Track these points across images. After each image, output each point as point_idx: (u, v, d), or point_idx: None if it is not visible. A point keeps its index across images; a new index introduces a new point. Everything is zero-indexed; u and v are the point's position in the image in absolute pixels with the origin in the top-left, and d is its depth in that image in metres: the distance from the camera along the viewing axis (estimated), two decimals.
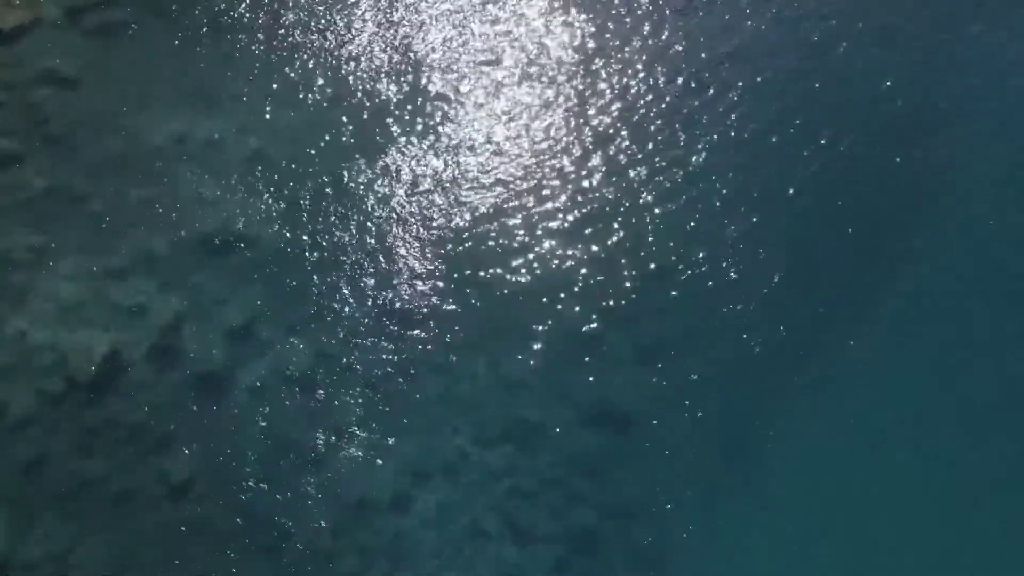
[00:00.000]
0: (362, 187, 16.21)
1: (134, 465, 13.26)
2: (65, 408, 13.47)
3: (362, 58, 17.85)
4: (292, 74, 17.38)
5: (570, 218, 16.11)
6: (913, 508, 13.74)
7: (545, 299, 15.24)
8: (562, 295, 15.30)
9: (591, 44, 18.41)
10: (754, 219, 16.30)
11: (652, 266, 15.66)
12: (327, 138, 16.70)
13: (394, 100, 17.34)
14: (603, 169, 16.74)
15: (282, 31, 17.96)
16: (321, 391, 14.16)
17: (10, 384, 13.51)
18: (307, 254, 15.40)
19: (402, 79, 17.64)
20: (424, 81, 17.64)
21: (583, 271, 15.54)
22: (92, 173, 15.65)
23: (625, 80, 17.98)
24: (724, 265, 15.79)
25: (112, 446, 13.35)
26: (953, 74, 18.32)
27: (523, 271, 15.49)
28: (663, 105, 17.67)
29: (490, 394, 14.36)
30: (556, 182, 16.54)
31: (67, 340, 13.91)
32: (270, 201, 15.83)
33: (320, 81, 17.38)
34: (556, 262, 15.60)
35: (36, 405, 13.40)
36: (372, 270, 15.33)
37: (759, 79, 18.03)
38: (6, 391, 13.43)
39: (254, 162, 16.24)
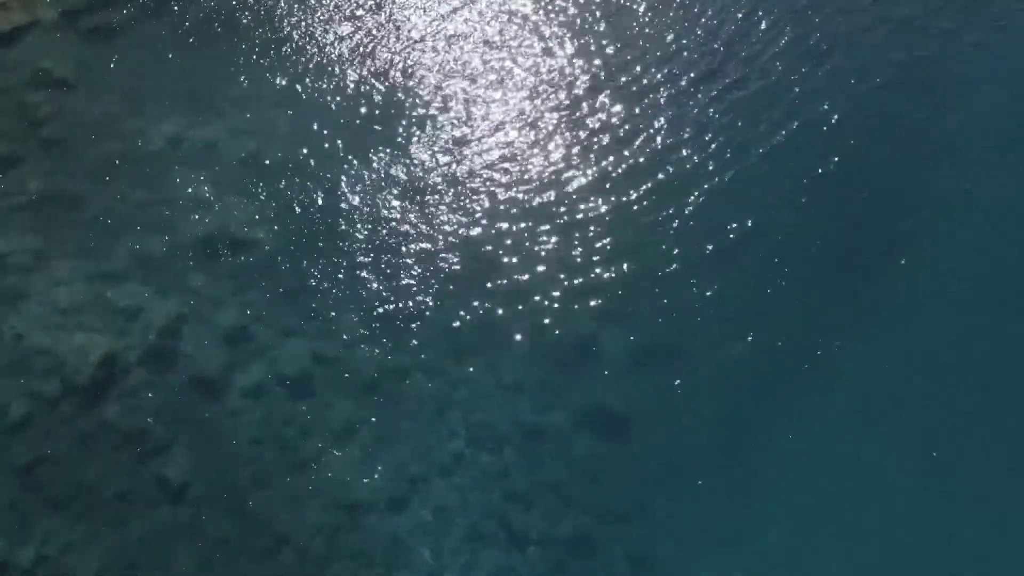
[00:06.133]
0: (358, 189, 16.21)
1: (131, 468, 13.27)
2: (62, 411, 13.48)
3: (358, 60, 17.85)
4: (288, 76, 17.39)
5: (567, 221, 16.09)
6: (911, 511, 13.70)
7: (542, 302, 15.23)
8: (558, 298, 15.29)
9: (591, 45, 18.42)
10: (751, 221, 16.28)
11: (649, 269, 15.63)
12: (323, 141, 16.71)
13: (391, 102, 17.34)
14: (600, 172, 16.74)
15: (278, 33, 17.96)
16: (317, 394, 14.17)
17: (7, 387, 13.54)
18: (303, 257, 15.40)
19: (399, 81, 17.65)
20: (422, 83, 17.65)
21: (580, 274, 15.52)
22: (88, 176, 15.67)
23: (623, 82, 17.98)
24: (721, 268, 15.75)
25: (109, 449, 13.37)
26: (956, 74, 18.37)
27: (520, 274, 15.47)
28: (661, 107, 17.66)
29: (486, 397, 14.36)
30: (553, 184, 16.53)
31: (64, 343, 13.93)
32: (266, 204, 15.83)
33: (316, 84, 17.39)
34: (553, 265, 15.59)
35: (33, 408, 13.42)
36: (368, 273, 15.33)
37: (762, 81, 18.03)
38: (3, 394, 13.45)
39: (250, 165, 16.26)
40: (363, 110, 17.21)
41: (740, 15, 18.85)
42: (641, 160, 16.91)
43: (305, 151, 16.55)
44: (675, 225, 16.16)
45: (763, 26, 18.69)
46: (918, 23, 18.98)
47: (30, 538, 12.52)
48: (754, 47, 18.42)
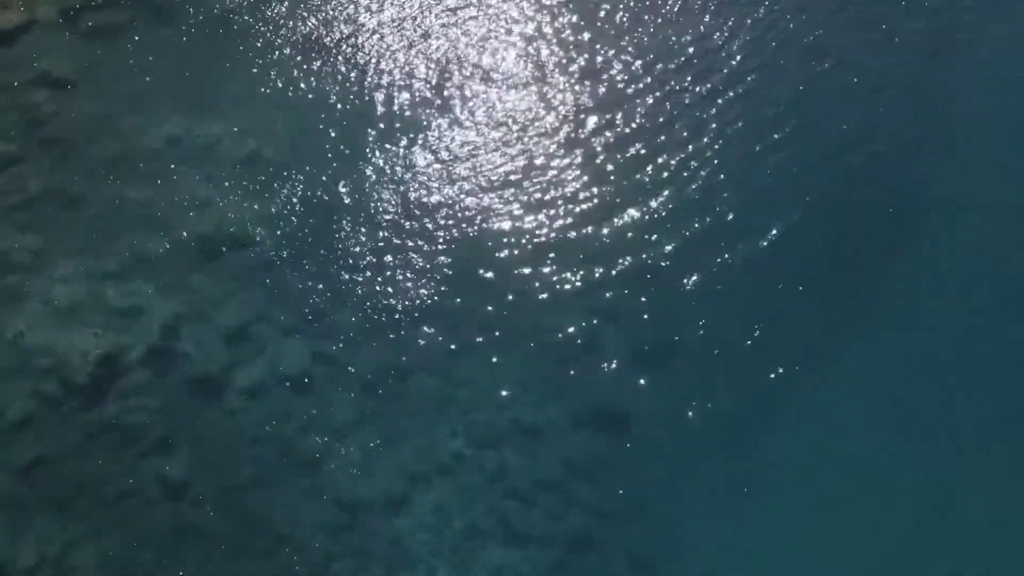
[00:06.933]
0: (358, 189, 16.22)
1: (131, 467, 13.26)
2: (62, 410, 13.47)
3: (359, 59, 17.86)
4: (289, 76, 17.39)
5: (567, 220, 16.11)
6: (912, 511, 13.70)
7: (542, 301, 15.24)
8: (559, 297, 15.29)
9: (591, 43, 18.44)
10: (752, 221, 16.30)
11: (649, 268, 15.65)
12: (323, 140, 16.72)
13: (392, 102, 17.35)
14: (601, 171, 16.75)
15: (278, 33, 17.96)
16: (317, 393, 14.17)
17: (7, 386, 13.52)
18: (304, 256, 15.40)
19: (400, 80, 17.66)
20: (422, 82, 17.65)
21: (580, 272, 15.53)
22: (89, 175, 15.67)
23: (626, 81, 17.98)
24: (722, 267, 15.78)
25: (109, 448, 13.35)
26: (957, 75, 18.40)
27: (520, 272, 15.49)
28: (663, 106, 17.68)
29: (486, 396, 14.36)
30: (554, 184, 16.55)
31: (64, 342, 13.91)
32: (266, 203, 15.83)
33: (317, 83, 17.39)
34: (553, 264, 15.60)
35: (33, 407, 13.40)
36: (368, 272, 15.33)
37: (763, 82, 18.06)
38: (3, 393, 13.43)
39: (250, 164, 16.27)
40: (364, 109, 17.22)
41: (746, 25, 18.91)
42: (642, 162, 16.92)
43: (305, 151, 16.56)
44: (675, 225, 16.17)
45: (770, 34, 18.78)
46: (921, 26, 19.04)
47: (31, 537, 12.52)
48: (759, 54, 18.48)
